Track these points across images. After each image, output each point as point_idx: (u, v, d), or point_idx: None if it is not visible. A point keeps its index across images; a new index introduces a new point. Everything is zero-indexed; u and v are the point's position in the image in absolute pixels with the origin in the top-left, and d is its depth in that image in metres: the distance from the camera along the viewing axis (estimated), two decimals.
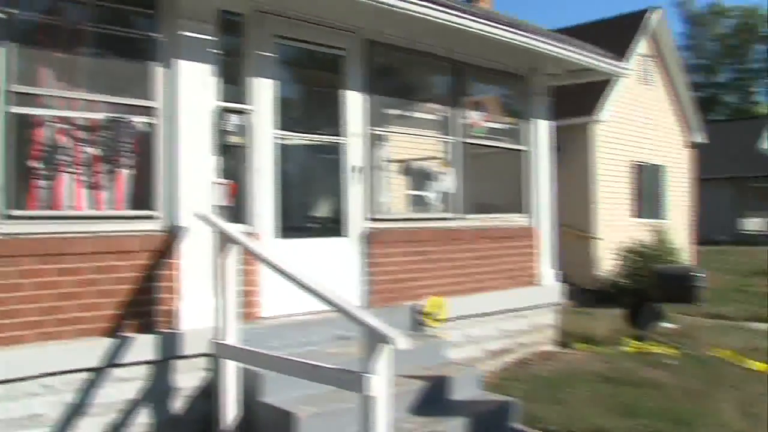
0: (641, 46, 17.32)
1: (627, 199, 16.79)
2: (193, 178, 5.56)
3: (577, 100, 15.68)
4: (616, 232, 15.48)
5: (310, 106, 7.75)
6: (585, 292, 14.89)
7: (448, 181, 7.60)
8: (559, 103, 15.63)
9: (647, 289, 9.61)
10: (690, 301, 9.41)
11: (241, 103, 6.03)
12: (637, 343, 9.08)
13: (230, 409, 5.19)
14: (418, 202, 7.90)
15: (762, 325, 11.24)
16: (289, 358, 4.86)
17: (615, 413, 6.34)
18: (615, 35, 16.10)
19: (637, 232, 15.05)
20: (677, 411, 6.46)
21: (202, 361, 5.44)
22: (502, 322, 8.12)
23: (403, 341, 3.89)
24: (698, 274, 9.31)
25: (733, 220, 35.13)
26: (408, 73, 7.93)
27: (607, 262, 15.06)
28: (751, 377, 7.82)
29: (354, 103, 6.82)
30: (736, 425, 6.19)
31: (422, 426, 5.34)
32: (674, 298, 9.72)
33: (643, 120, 17.47)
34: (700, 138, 19.92)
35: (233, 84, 6.03)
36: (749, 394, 7.10)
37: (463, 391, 6.14)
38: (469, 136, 7.88)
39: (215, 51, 5.73)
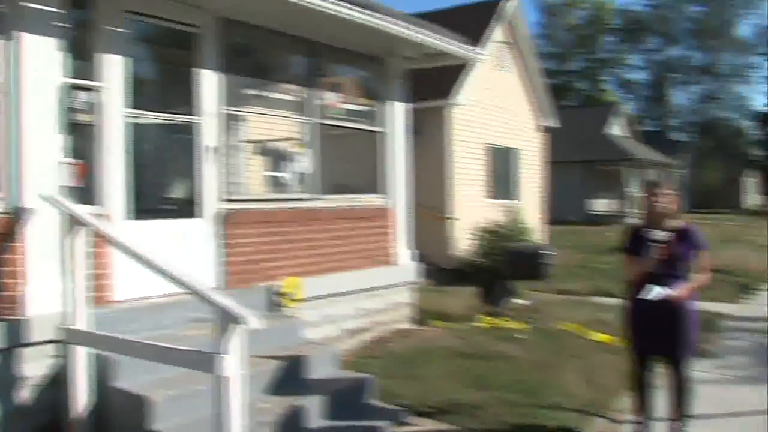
0: (497, 33, 17.86)
1: (482, 180, 17.33)
2: (38, 158, 5.32)
3: (434, 84, 16.00)
4: (471, 213, 15.96)
5: (164, 84, 7.57)
6: (442, 271, 15.28)
7: (305, 162, 7.61)
8: (417, 86, 15.88)
9: (500, 267, 9.98)
10: (539, 277, 9.86)
11: (91, 80, 5.81)
12: (490, 319, 9.43)
13: (81, 397, 5.03)
14: (275, 183, 7.89)
15: (606, 299, 11.88)
16: (142, 341, 4.77)
17: (468, 386, 6.59)
18: (472, 21, 16.48)
19: (492, 212, 15.58)
20: (527, 382, 6.78)
21: (51, 348, 5.23)
22: (360, 301, 8.24)
23: (255, 321, 3.89)
24: (547, 253, 9.76)
25: (582, 201, 36.80)
26: (264, 52, 7.86)
27: (463, 241, 15.53)
28: (595, 348, 8.29)
29: (209, 82, 6.70)
30: (580, 392, 6.57)
31: (278, 405, 5.37)
32: (525, 276, 10.16)
33: (498, 104, 18.06)
34: (552, 122, 20.79)
35: (82, 60, 5.79)
36: (592, 363, 7.53)
37: (321, 369, 6.21)
38: (326, 117, 7.91)
39: (63, 25, 5.48)
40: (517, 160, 19.06)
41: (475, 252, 14.99)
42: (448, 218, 15.81)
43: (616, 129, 41.80)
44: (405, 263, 8.95)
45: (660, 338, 5.36)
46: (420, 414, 5.98)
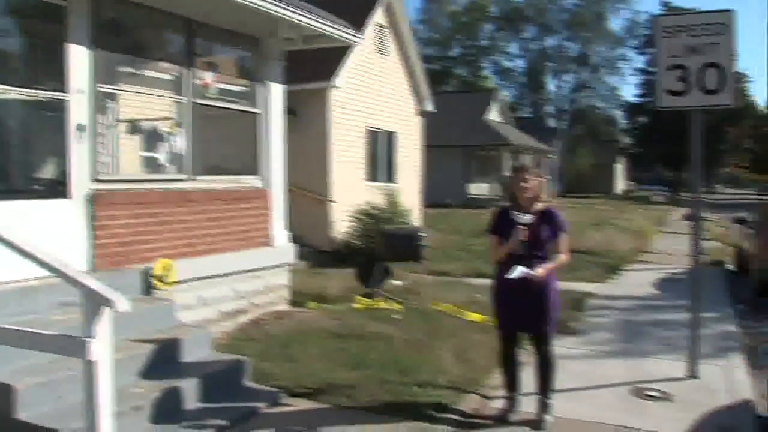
0: (378, 17, 17.92)
1: (361, 163, 17.42)
2: None
3: (314, 66, 15.95)
4: (351, 195, 16.03)
5: (31, 59, 7.23)
6: (321, 253, 15.33)
7: (180, 142, 7.47)
8: (297, 68, 15.82)
9: (376, 249, 10.09)
10: (415, 259, 10.03)
11: None
12: (366, 300, 9.54)
13: None
14: (149, 164, 7.69)
15: (480, 280, 12.19)
16: (5, 327, 4.59)
17: (343, 366, 6.67)
18: (353, 5, 16.48)
19: (371, 195, 15.71)
20: (402, 361, 6.92)
21: None
22: (237, 283, 8.18)
23: (123, 303, 3.81)
24: (421, 235, 9.93)
25: (462, 185, 37.55)
26: (139, 29, 7.63)
27: (342, 224, 15.60)
28: (468, 327, 8.53)
29: (79, 58, 6.44)
30: (453, 370, 6.76)
31: (152, 389, 5.29)
32: (400, 257, 10.31)
33: (378, 88, 18.17)
34: (430, 107, 21.05)
35: None
36: (465, 342, 7.75)
37: (195, 352, 6.17)
38: (202, 96, 7.77)
39: None
40: (396, 144, 19.24)
41: (353, 234, 15.10)
42: (327, 200, 15.84)
43: (495, 115, 42.80)
44: (282, 245, 8.93)
45: (524, 316, 5.60)
46: (295, 395, 6.02)
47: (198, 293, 7.57)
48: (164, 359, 5.80)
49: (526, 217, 5.48)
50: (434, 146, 32.96)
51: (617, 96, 77.41)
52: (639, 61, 74.76)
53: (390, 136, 18.89)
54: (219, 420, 5.29)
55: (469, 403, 6.05)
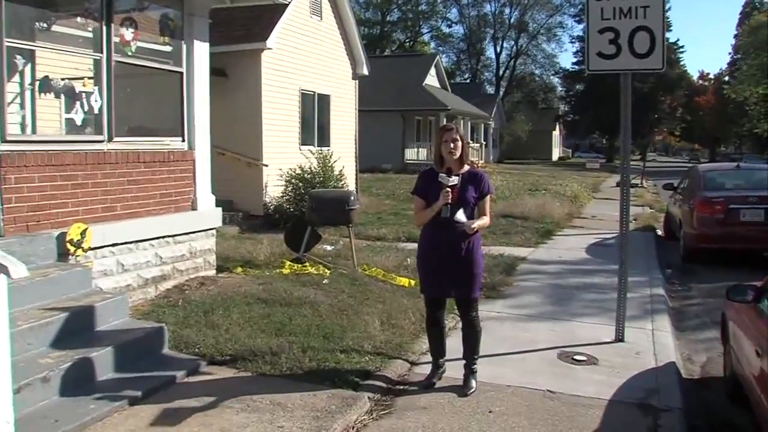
0: None
1: (295, 126, 17.13)
2: None
3: (247, 27, 15.61)
4: (284, 159, 15.77)
5: None
6: (253, 217, 15.12)
7: (97, 102, 7.12)
8: (229, 28, 15.47)
9: (306, 213, 9.89)
10: (344, 223, 9.87)
11: None
12: (294, 265, 9.36)
13: None
14: (65, 124, 7.31)
15: (412, 245, 12.08)
16: None
17: (268, 333, 6.51)
18: None
19: (305, 159, 15.43)
20: (328, 327, 6.79)
21: None
22: (160, 248, 7.91)
23: (19, 269, 3.55)
24: (351, 198, 9.75)
25: (401, 150, 37.47)
26: None
27: (275, 188, 15.35)
28: (398, 292, 8.45)
29: None
30: (380, 335, 6.65)
31: (62, 359, 5.04)
32: (330, 221, 10.14)
33: (312, 50, 17.84)
34: (366, 71, 20.77)
35: None
36: (393, 307, 7.66)
37: (112, 319, 5.95)
38: (121, 54, 7.42)
39: None
40: (330, 107, 18.97)
41: (285, 199, 14.86)
42: (258, 164, 15.55)
43: (433, 80, 42.74)
44: (207, 209, 8.67)
45: (450, 281, 5.48)
46: (216, 362, 5.85)
47: (118, 259, 7.29)
48: (78, 327, 5.56)
49: (453, 179, 5.33)
50: (372, 111, 32.87)
51: (555, 63, 78.21)
52: (577, 29, 75.61)
53: (324, 99, 18.61)
54: (133, 390, 5.07)
55: (395, 369, 5.96)
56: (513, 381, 5.86)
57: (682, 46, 79.09)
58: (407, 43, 77.28)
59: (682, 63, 74.67)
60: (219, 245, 10.83)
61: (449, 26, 79.21)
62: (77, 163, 6.85)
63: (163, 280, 7.95)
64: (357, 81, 20.72)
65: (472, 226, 5.34)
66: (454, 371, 5.82)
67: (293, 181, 14.76)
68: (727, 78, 77.43)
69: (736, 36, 72.91)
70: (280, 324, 6.76)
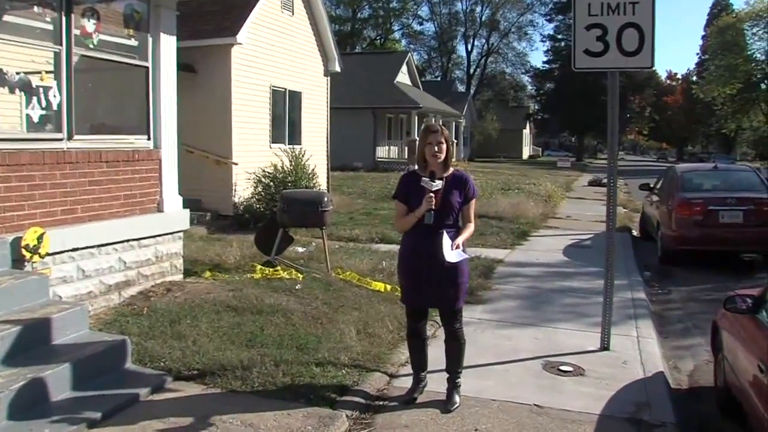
0: None
1: (265, 123, 16.73)
2: None
3: (216, 21, 15.21)
4: (254, 158, 15.36)
5: None
6: (222, 218, 14.72)
7: (54, 98, 6.67)
8: (198, 22, 15.03)
9: (277, 214, 9.50)
10: (316, 225, 9.49)
11: None
12: (265, 269, 8.99)
13: None
14: (20, 122, 6.85)
15: (386, 246, 11.84)
16: None
17: (238, 344, 6.14)
18: None
19: (276, 157, 15.02)
20: (301, 337, 6.43)
21: None
22: (124, 252, 7.49)
23: None
24: (324, 199, 9.37)
25: (372, 148, 37.14)
26: None
27: (245, 188, 14.91)
28: (374, 298, 8.10)
29: None
30: (357, 346, 6.29)
31: (13, 378, 4.62)
32: (302, 223, 9.76)
33: (283, 46, 17.44)
34: (338, 67, 20.38)
35: None
36: (369, 314, 7.32)
37: (70, 332, 5.52)
38: (82, 47, 6.98)
39: None
40: (301, 104, 18.58)
41: (256, 198, 14.43)
42: (228, 162, 15.11)
43: (405, 78, 42.46)
44: (173, 210, 8.25)
45: (434, 291, 5.13)
46: (183, 377, 5.45)
47: (79, 264, 6.87)
48: (32, 342, 5.13)
49: (436, 183, 4.98)
50: (344, 108, 32.53)
51: (526, 62, 78.45)
52: (548, 27, 75.94)
53: (295, 96, 18.22)
54: (92, 411, 4.66)
55: (373, 382, 5.60)
56: (498, 395, 5.54)
57: None
58: (378, 41, 76.99)
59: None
60: (187, 247, 10.42)
61: (420, 24, 79.14)
62: (34, 163, 6.41)
63: (127, 286, 7.54)
64: (329, 78, 20.33)
65: (458, 241, 5.00)
66: (436, 384, 5.49)
67: (264, 179, 14.33)
68: (695, 78, 78.16)
69: (704, 37, 73.65)
70: (251, 334, 6.37)
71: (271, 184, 14.18)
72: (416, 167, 5.27)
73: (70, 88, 6.78)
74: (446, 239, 4.93)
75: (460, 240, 5.01)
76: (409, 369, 5.65)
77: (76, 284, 6.84)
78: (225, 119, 15.12)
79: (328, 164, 20.30)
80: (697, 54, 75.80)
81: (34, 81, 6.63)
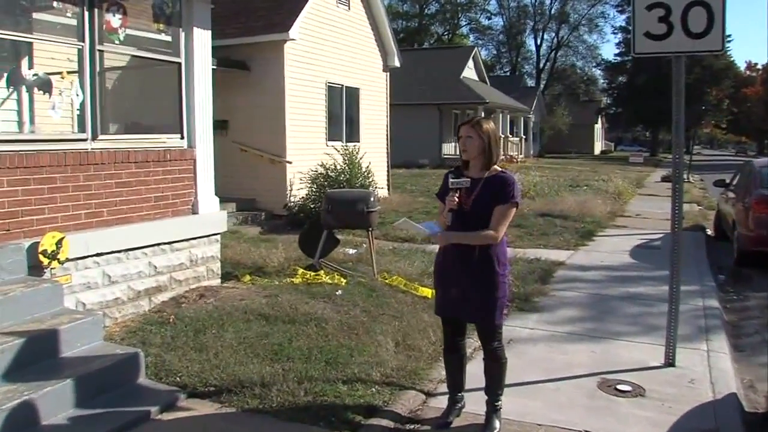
0: None
1: (321, 121, 16.35)
2: None
3: (268, 17, 14.92)
4: (310, 156, 15.01)
5: None
6: (276, 217, 14.40)
7: (78, 96, 6.38)
8: (249, 19, 14.77)
9: (321, 215, 9.06)
10: (362, 226, 9.03)
11: None
12: (307, 273, 8.55)
13: None
14: (41, 121, 6.58)
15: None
16: None
17: (261, 357, 5.70)
18: None
19: (332, 155, 14.64)
20: (331, 350, 5.95)
21: None
22: (155, 257, 7.17)
23: None
24: (370, 199, 8.87)
25: (438, 144, 36.60)
26: None
27: (300, 187, 14.54)
28: (418, 305, 7.59)
29: None
30: (391, 359, 5.80)
31: (13, 394, 4.29)
32: (347, 224, 9.32)
33: (339, 41, 17.04)
34: (397, 62, 19.89)
35: None
36: (411, 323, 6.82)
37: (81, 344, 5.18)
38: (107, 42, 6.67)
39: None
40: (359, 101, 18.16)
41: (310, 198, 14.03)
42: (281, 161, 14.78)
43: (471, 73, 41.80)
44: (209, 212, 7.88)
45: (464, 301, 4.59)
46: (198, 394, 5.05)
47: (104, 270, 6.56)
48: (37, 355, 4.81)
49: (461, 181, 4.47)
50: (408, 104, 32.13)
51: (597, 55, 76.75)
52: (619, 19, 74.11)
53: (352, 92, 17.81)
54: None
55: (406, 402, 5.09)
56: (544, 418, 4.97)
57: (728, 36, 76.82)
58: (446, 36, 76.24)
59: (729, 53, 72.54)
60: (233, 249, 10.15)
61: (488, 18, 78.13)
62: (55, 165, 6.11)
63: (158, 291, 7.21)
64: (388, 73, 19.86)
65: (446, 239, 4.53)
66: (475, 405, 4.96)
67: (317, 178, 13.94)
68: None
69: None
70: (278, 346, 5.93)
71: (326, 183, 13.78)
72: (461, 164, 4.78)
73: (94, 87, 6.46)
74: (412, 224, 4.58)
75: (456, 236, 4.53)
76: (447, 388, 5.12)
77: (102, 290, 6.53)
78: (279, 117, 14.79)
79: (388, 161, 19.84)
80: None
81: (55, 79, 6.33)
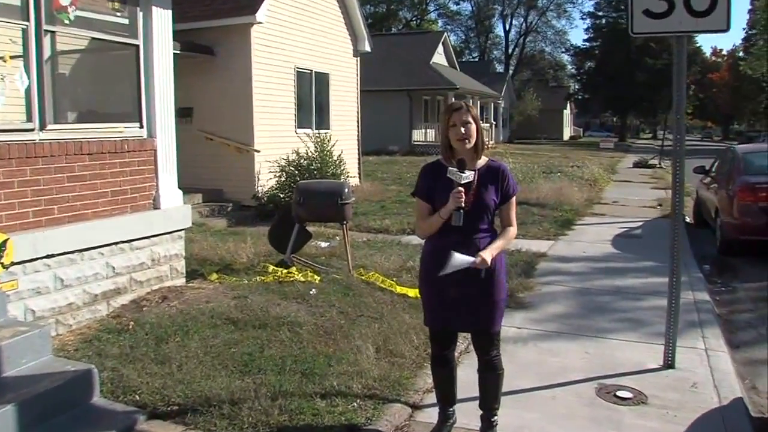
0: None
1: (291, 108, 15.75)
2: None
3: (233, 0, 14.26)
4: (278, 144, 14.43)
5: None
6: (244, 209, 13.85)
7: (23, 82, 5.77)
8: (215, 2, 14.10)
9: (293, 207, 8.49)
10: (335, 219, 8.47)
11: None
12: (278, 270, 8.00)
13: None
14: None
15: (416, 239, 10.73)
16: None
17: (231, 369, 5.17)
18: None
19: (302, 143, 14.07)
20: (308, 358, 5.42)
21: None
22: (113, 257, 6.59)
23: None
24: (344, 191, 8.32)
25: (408, 131, 36.15)
26: None
27: (269, 177, 13.96)
28: (398, 304, 7.08)
29: None
30: (373, 368, 5.29)
31: None
32: (319, 217, 8.77)
33: (309, 26, 16.42)
34: (368, 47, 19.28)
35: None
36: (392, 326, 6.31)
37: (26, 361, 4.62)
38: (55, 22, 6.05)
39: None
40: (329, 86, 17.55)
41: (279, 188, 13.45)
42: (249, 149, 14.16)
43: (441, 59, 41.35)
44: (172, 207, 7.31)
45: (463, 311, 4.08)
46: (159, 415, 4.50)
47: (56, 273, 5.98)
48: None
49: (467, 175, 3.91)
50: (378, 91, 31.63)
51: (565, 41, 76.77)
52: (588, 4, 74.17)
53: (322, 77, 17.21)
54: None
55: (391, 417, 4.60)
56: None
57: None
58: (414, 22, 75.65)
59: (695, 39, 72.80)
60: (199, 243, 9.60)
61: (457, 3, 77.90)
62: None
63: (117, 294, 6.64)
64: (359, 58, 19.27)
65: (482, 259, 3.89)
66: (467, 418, 4.50)
67: (288, 168, 13.37)
68: (741, 54, 75.49)
69: (750, 11, 70.95)
70: (248, 356, 5.39)
71: (296, 172, 13.23)
72: (441, 156, 4.23)
73: (41, 71, 5.86)
74: (459, 257, 3.86)
75: (493, 249, 3.96)
76: (435, 396, 4.62)
77: (53, 295, 5.95)
78: (246, 104, 14.16)
79: (359, 149, 19.29)
80: (744, 29, 72.85)
81: None
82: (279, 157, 13.61)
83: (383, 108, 32.68)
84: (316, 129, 16.25)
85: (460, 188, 3.87)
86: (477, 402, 4.40)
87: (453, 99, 34.58)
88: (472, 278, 3.96)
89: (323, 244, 10.01)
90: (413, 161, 26.67)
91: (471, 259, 3.83)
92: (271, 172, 13.81)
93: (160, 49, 7.09)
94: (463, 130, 3.97)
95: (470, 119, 3.98)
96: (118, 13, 6.86)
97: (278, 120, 15.11)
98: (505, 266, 4.21)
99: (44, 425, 4.16)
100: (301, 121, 16.11)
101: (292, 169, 13.35)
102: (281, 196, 13.20)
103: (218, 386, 4.80)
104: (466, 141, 3.98)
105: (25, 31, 5.79)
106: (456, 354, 5.07)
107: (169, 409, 4.55)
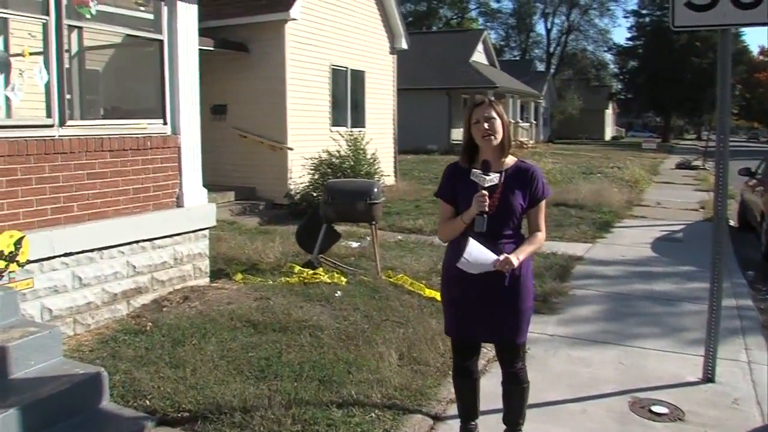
0: None
1: (326, 106, 15.58)
2: None
3: None
4: (312, 142, 14.28)
5: None
6: (277, 207, 13.72)
7: (42, 77, 5.66)
8: None
9: (321, 207, 8.31)
10: (364, 219, 8.26)
11: None
12: (304, 270, 7.82)
13: None
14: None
15: None
16: None
17: (246, 375, 5.00)
18: None
19: (336, 141, 13.89)
20: (327, 364, 5.22)
21: None
22: (133, 255, 6.47)
23: None
24: (374, 190, 8.10)
25: (447, 130, 35.85)
26: None
27: (302, 175, 13.80)
28: (425, 308, 6.85)
29: None
30: (394, 376, 5.08)
31: None
32: (347, 217, 8.53)
33: (345, 23, 16.23)
34: (404, 45, 19.04)
35: None
36: (417, 332, 6.10)
37: (35, 362, 4.48)
38: (76, 17, 5.94)
39: None
40: (365, 84, 17.36)
41: (312, 186, 13.29)
42: (282, 148, 14.03)
43: (481, 57, 40.95)
44: (195, 205, 7.17)
45: (487, 321, 3.84)
46: (168, 422, 4.34)
47: (74, 271, 5.87)
48: None
49: (491, 177, 3.65)
50: (417, 89, 31.38)
51: (608, 39, 75.74)
52: (631, 2, 73.03)
53: (358, 75, 17.02)
54: None
55: (411, 429, 4.39)
56: None
57: None
58: (454, 20, 75.22)
59: (742, 38, 71.46)
60: (228, 242, 9.49)
61: (497, 1, 77.30)
62: (14, 154, 5.41)
63: (138, 294, 6.52)
64: (395, 56, 19.04)
65: (516, 261, 3.65)
66: (491, 430, 4.26)
67: (319, 165, 13.20)
68: None
69: None
70: (265, 361, 5.21)
71: (329, 170, 13.06)
72: (463, 156, 3.99)
73: (61, 66, 5.74)
74: (476, 246, 3.64)
75: (519, 253, 3.72)
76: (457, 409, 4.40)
77: (72, 294, 5.84)
78: (280, 101, 14.03)
79: (395, 147, 19.06)
80: None
81: (14, 59, 5.61)
82: (313, 156, 13.46)
83: (422, 106, 32.43)
84: (351, 127, 16.09)
85: (484, 192, 3.63)
86: (501, 415, 4.17)
87: (493, 97, 34.32)
88: (495, 285, 3.73)
89: (354, 244, 9.82)
90: (451, 160, 26.08)
91: (493, 256, 3.59)
92: (304, 170, 13.66)
93: (185, 44, 6.95)
94: (486, 126, 3.73)
95: (494, 114, 3.73)
96: (142, 8, 6.76)
97: (312, 118, 14.95)
98: (531, 273, 3.95)
99: (57, 426, 4.03)
100: (336, 119, 15.93)
101: (326, 167, 13.18)
102: (314, 194, 13.03)
103: (231, 392, 4.63)
104: (492, 138, 3.74)
105: (45, 26, 5.68)
106: (483, 363, 4.87)
107: (179, 415, 4.40)
